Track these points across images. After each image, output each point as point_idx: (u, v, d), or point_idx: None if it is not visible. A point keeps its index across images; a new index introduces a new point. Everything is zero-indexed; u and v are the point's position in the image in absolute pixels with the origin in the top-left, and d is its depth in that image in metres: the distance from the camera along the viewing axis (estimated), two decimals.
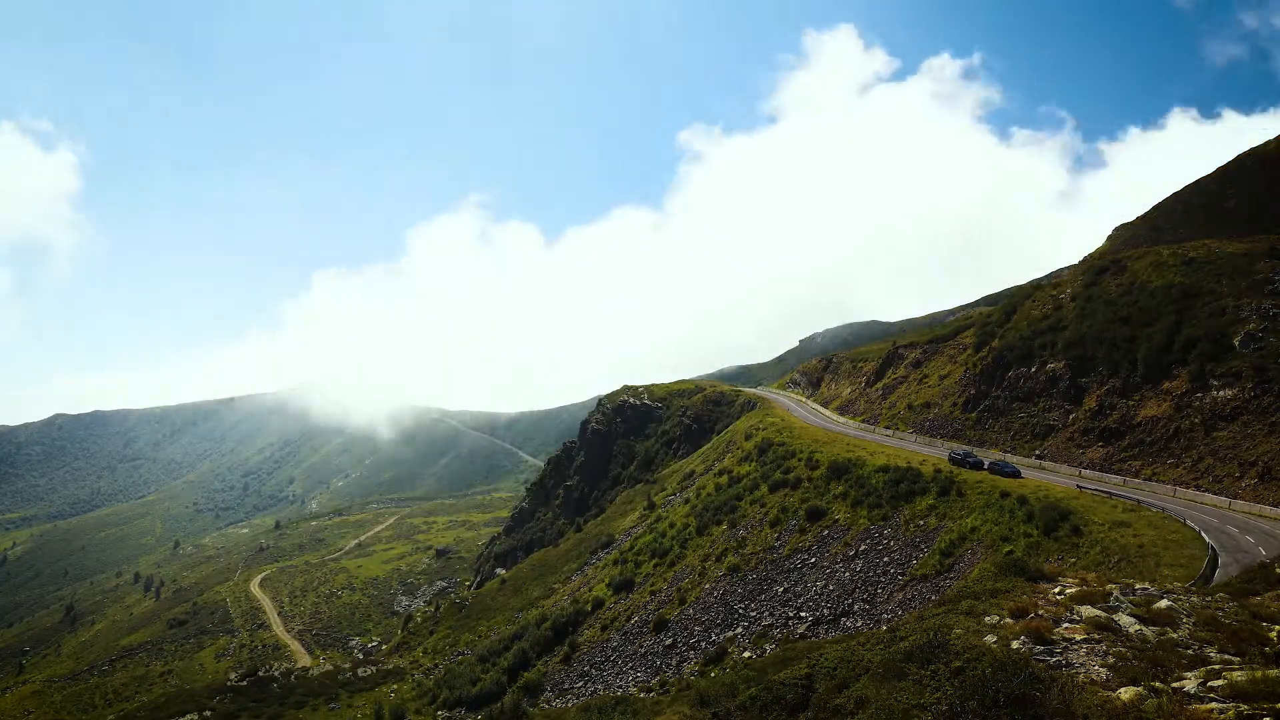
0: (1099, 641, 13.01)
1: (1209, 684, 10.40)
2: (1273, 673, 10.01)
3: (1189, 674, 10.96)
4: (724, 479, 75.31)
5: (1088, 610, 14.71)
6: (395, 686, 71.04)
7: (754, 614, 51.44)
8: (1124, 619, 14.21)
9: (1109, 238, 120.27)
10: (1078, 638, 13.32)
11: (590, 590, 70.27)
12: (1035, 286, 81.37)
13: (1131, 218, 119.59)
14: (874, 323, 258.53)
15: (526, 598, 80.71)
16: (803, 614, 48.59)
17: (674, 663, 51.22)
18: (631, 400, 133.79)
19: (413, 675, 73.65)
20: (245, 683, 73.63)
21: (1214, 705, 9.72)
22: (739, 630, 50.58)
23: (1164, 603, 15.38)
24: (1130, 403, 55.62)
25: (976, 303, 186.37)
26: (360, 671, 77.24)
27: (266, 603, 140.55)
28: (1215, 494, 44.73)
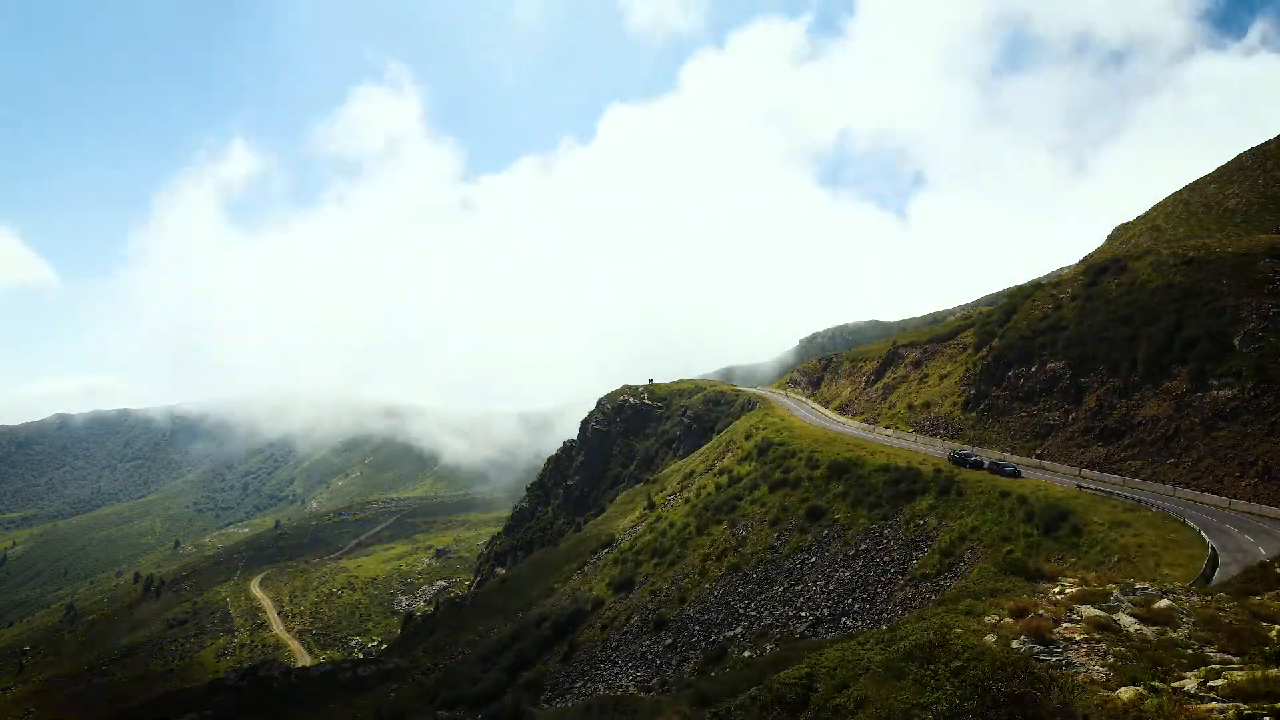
0: (1099, 641, 13.00)
1: (1209, 684, 10.40)
2: (1273, 672, 10.00)
3: (1189, 674, 10.95)
4: (724, 479, 75.30)
5: (1088, 610, 14.71)
6: (395, 686, 71.02)
7: (754, 613, 51.44)
8: (1124, 619, 14.20)
9: (1109, 238, 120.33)
10: (1078, 637, 13.31)
11: (590, 590, 70.24)
12: (1035, 286, 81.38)
13: (1131, 218, 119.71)
14: (874, 322, 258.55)
15: (526, 597, 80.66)
16: (803, 614, 48.59)
17: (674, 662, 51.21)
18: (631, 400, 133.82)
19: (413, 674, 73.62)
20: (245, 682, 73.61)
21: (1214, 705, 9.72)
22: (739, 630, 50.57)
23: (1164, 602, 15.37)
24: (1130, 402, 55.61)
25: (976, 302, 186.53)
26: (360, 671, 77.20)
27: (266, 602, 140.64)
28: (1215, 494, 44.74)
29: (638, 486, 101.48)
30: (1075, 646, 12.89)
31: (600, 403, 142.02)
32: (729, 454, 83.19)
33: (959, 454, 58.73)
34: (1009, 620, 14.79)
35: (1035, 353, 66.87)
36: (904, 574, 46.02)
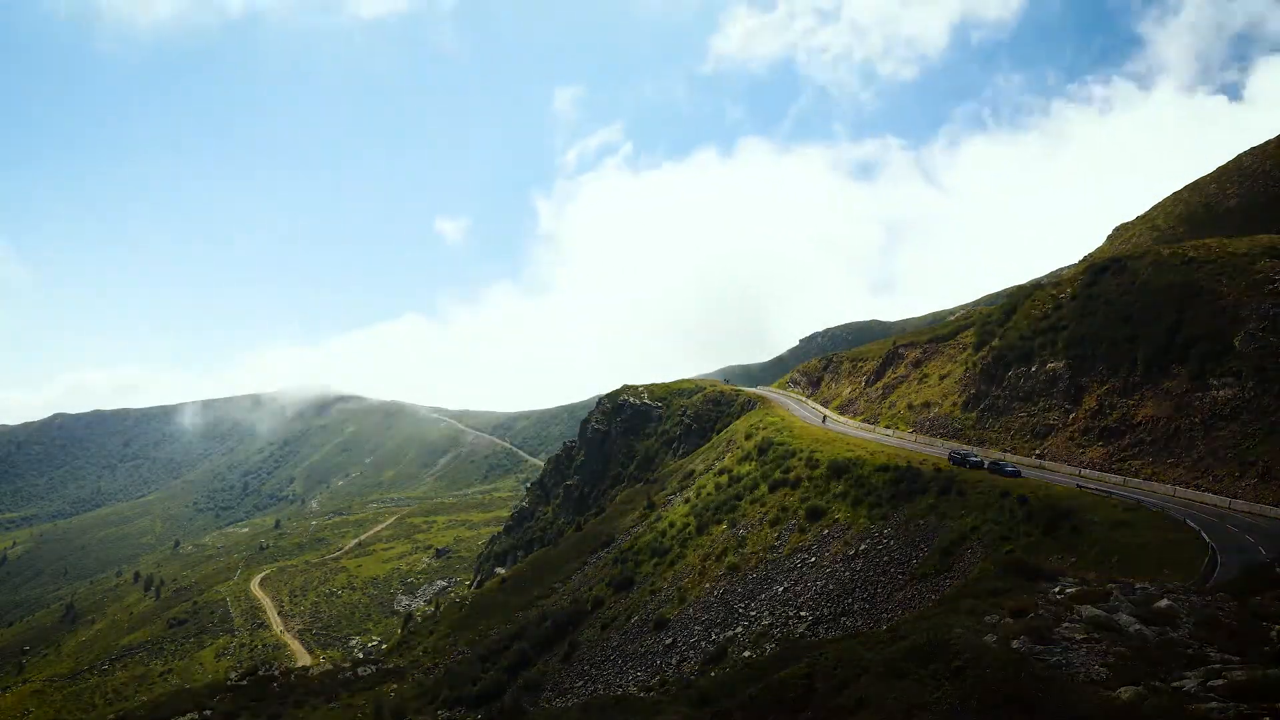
0: (1099, 641, 13.00)
1: (1209, 683, 10.40)
2: (1273, 672, 10.01)
3: (1189, 673, 10.95)
4: (724, 478, 75.30)
5: (1088, 610, 14.70)
6: (395, 685, 70.98)
7: (754, 613, 51.44)
8: (1124, 618, 14.18)
9: (1109, 238, 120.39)
10: (1078, 637, 13.31)
11: (590, 589, 70.25)
12: (1035, 286, 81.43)
13: (1131, 218, 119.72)
14: (874, 322, 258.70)
15: (526, 597, 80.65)
16: (803, 614, 48.58)
17: (674, 662, 51.22)
18: (631, 400, 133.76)
19: (413, 674, 73.62)
20: (245, 682, 73.61)
21: (1214, 704, 9.72)
22: (739, 630, 50.57)
23: (1164, 602, 15.36)
24: (1130, 402, 55.62)
25: (976, 302, 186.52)
26: (360, 671, 77.19)
27: (266, 602, 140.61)
28: (1215, 494, 44.74)
29: (638, 486, 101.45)
30: (1075, 646, 12.89)
31: (600, 402, 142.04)
32: (729, 454, 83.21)
33: (959, 454, 58.73)
34: (1009, 620, 14.79)
35: (1035, 353, 66.87)
36: (904, 574, 46.01)
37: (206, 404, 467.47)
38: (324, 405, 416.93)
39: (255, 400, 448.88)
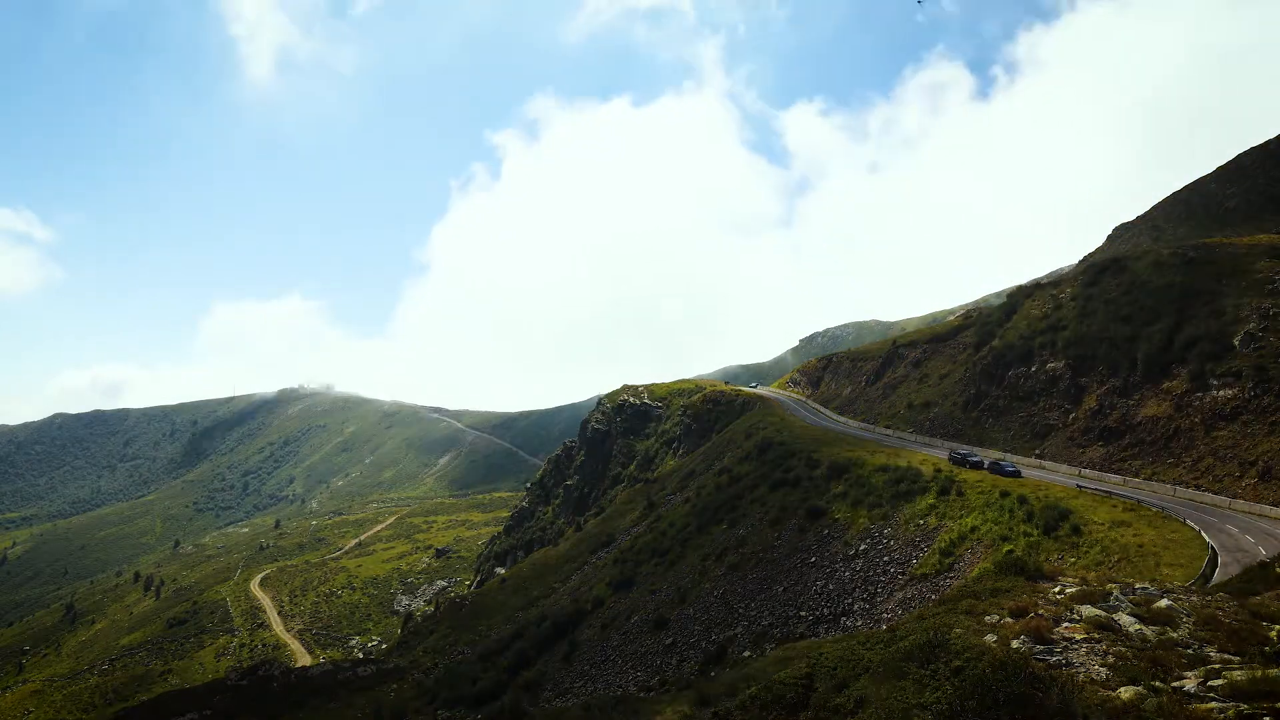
0: (1099, 641, 13.01)
1: (1209, 683, 10.40)
2: (1273, 672, 10.01)
3: (1189, 673, 10.96)
4: (724, 478, 75.29)
5: (1088, 610, 14.71)
6: (395, 685, 70.96)
7: (754, 613, 51.43)
8: (1124, 618, 14.19)
9: (1109, 237, 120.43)
10: (1078, 637, 13.32)
11: (590, 589, 70.24)
12: (1035, 286, 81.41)
13: (1131, 217, 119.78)
14: (874, 322, 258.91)
15: (526, 597, 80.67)
16: (803, 613, 48.57)
17: (674, 662, 51.21)
18: (631, 400, 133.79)
19: (413, 674, 73.60)
20: (245, 682, 73.59)
21: (1214, 704, 9.73)
22: (739, 629, 50.56)
23: (1164, 602, 15.37)
24: (1130, 402, 55.61)
25: (976, 302, 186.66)
26: (360, 670, 77.15)
27: (266, 602, 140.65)
28: (1215, 493, 44.72)
29: (638, 486, 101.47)
30: (1075, 646, 12.90)
31: (600, 402, 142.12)
32: (729, 453, 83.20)
33: (959, 454, 58.71)
34: (1009, 620, 14.80)
35: (1035, 353, 66.87)
36: (904, 574, 45.99)
37: (206, 404, 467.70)
38: (326, 405, 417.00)
39: (254, 401, 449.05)
